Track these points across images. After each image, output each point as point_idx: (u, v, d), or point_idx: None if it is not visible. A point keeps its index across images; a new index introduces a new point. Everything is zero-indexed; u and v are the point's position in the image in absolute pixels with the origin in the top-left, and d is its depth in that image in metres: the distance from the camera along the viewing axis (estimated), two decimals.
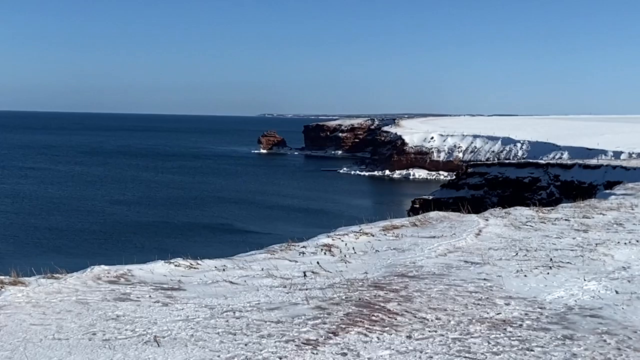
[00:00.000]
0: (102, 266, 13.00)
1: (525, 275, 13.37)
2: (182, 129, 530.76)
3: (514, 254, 15.41)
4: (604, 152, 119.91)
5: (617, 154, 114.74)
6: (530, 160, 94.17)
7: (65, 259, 49.43)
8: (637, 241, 16.79)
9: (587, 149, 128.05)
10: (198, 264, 14.33)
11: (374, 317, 10.44)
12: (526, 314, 10.79)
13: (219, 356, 8.70)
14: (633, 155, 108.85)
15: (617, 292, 12.21)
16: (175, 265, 14.06)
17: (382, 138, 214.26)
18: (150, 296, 11.60)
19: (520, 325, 10.25)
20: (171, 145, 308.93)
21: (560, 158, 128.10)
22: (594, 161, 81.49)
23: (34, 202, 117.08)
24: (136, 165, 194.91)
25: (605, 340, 9.52)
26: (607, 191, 32.23)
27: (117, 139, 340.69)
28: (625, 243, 16.64)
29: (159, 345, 9.01)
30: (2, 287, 11.16)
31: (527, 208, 23.22)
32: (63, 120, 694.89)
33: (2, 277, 11.66)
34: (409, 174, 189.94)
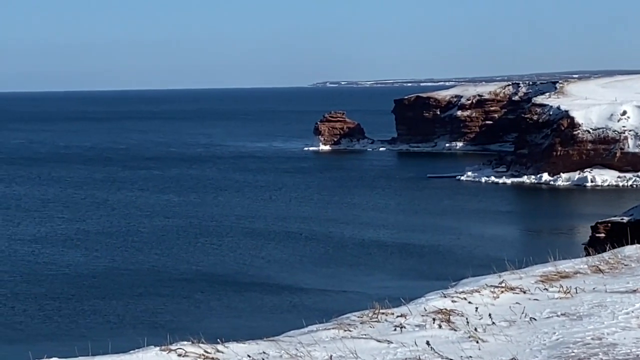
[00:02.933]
0: None
1: None
2: (190, 112, 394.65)
3: None
4: None
5: None
6: None
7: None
8: None
9: None
10: (219, 350, 10.47)
11: None
12: None
13: None
14: None
15: None
16: (180, 355, 10.20)
17: (535, 117, 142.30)
18: None
19: None
20: (168, 142, 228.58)
21: None
22: None
23: None
24: (105, 179, 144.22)
25: None
26: None
27: (78, 135, 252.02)
28: None
29: None
30: None
31: None
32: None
33: None
34: (585, 178, 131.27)
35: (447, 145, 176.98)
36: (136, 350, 10.45)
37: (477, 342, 11.12)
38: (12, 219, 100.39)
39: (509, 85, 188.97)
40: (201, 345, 10.62)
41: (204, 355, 10.36)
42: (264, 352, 10.59)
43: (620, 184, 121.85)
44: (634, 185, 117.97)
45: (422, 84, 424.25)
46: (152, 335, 11.90)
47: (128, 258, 78.46)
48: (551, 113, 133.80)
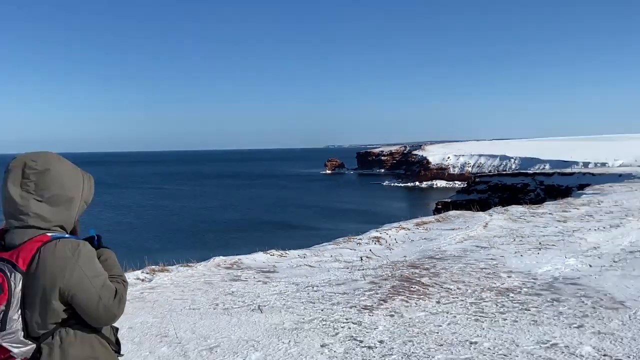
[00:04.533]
0: (221, 257, 10.02)
1: (521, 255, 10.10)
2: (266, 158, 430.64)
3: (512, 240, 11.83)
4: (576, 163, 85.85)
5: (586, 164, 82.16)
6: (521, 171, 69.04)
7: (195, 252, 44.02)
8: (604, 228, 12.95)
9: (564, 161, 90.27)
10: (286, 253, 11.00)
11: (412, 289, 7.57)
12: (523, 284, 7.77)
13: (303, 318, 6.33)
14: (598, 164, 79.16)
15: (590, 265, 8.91)
16: (270, 255, 10.72)
17: (412, 159, 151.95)
18: (254, 277, 8.80)
19: (519, 291, 7.26)
20: (256, 169, 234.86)
21: (543, 168, 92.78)
22: (569, 170, 57.72)
23: (169, 211, 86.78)
24: (234, 185, 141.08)
25: (583, 302, 6.74)
26: (580, 192, 25.63)
27: (216, 167, 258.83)
28: (595, 229, 12.75)
29: (261, 312, 6.62)
30: (154, 273, 8.66)
31: (521, 206, 17.52)
32: (179, 155, 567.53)
33: (154, 266, 9.15)
34: (433, 184, 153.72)
35: (378, 170, 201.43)
36: (252, 253, 10.58)
37: (390, 250, 10.96)
38: (199, 193, 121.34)
39: (402, 146, 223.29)
40: (279, 250, 10.88)
41: (280, 255, 10.51)
42: (305, 254, 10.58)
43: (448, 186, 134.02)
44: (453, 187, 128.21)
45: (368, 146, 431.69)
46: (259, 246, 13.49)
47: (246, 212, 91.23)
48: (419, 157, 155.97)
